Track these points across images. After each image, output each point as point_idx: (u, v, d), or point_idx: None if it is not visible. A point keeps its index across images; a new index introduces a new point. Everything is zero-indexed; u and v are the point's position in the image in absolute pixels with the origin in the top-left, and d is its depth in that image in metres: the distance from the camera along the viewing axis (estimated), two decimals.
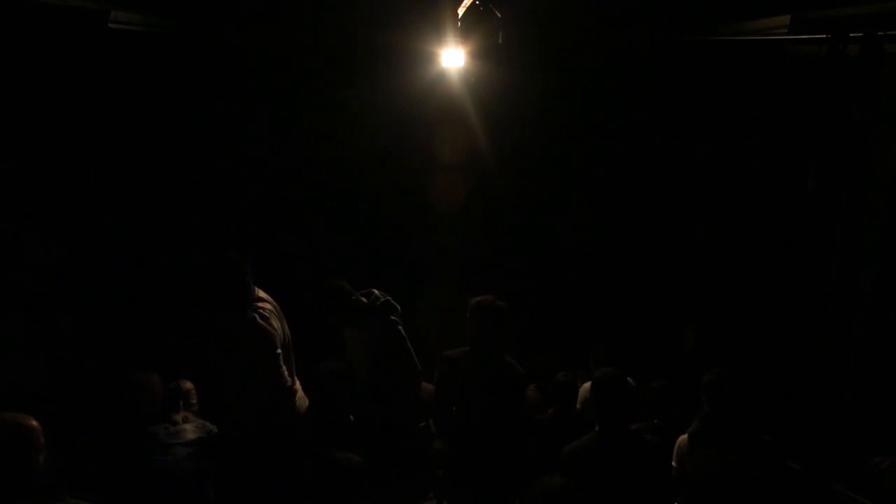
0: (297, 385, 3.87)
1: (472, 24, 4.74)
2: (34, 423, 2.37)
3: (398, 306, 4.07)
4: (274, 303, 3.74)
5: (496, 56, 5.03)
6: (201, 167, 5.28)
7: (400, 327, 3.97)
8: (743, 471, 2.72)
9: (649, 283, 5.60)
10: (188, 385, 3.62)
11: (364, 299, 3.99)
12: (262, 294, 3.71)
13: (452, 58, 4.87)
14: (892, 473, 2.54)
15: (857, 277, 3.85)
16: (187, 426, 3.46)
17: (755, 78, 4.56)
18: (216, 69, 5.22)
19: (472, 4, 4.63)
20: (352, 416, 4.01)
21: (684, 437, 3.28)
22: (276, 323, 3.63)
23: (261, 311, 3.59)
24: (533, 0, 5.13)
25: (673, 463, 3.27)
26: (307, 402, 3.86)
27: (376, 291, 4.07)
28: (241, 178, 5.48)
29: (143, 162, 4.99)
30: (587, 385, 4.09)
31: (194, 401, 3.63)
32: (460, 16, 4.71)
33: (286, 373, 3.67)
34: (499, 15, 4.70)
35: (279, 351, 3.60)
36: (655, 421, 3.79)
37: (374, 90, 5.44)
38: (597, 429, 3.15)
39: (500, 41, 4.88)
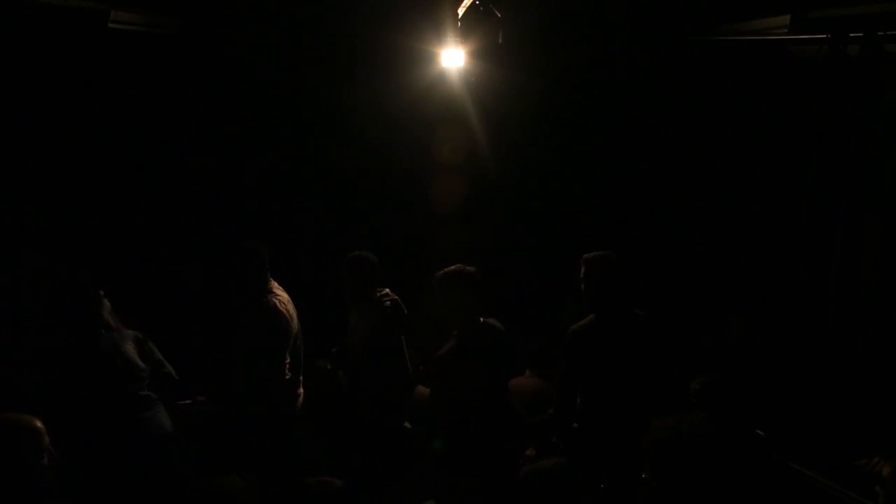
0: (300, 379, 3.92)
1: (472, 24, 4.73)
2: (38, 423, 2.37)
3: (405, 311, 4.12)
4: (287, 296, 3.84)
5: (496, 56, 5.03)
6: (201, 167, 5.28)
7: (401, 334, 4.05)
8: (701, 435, 2.73)
9: (647, 282, 5.59)
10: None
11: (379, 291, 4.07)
12: (277, 286, 3.85)
13: (452, 58, 4.86)
14: (893, 481, 2.52)
15: (859, 278, 3.85)
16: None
17: (755, 78, 4.55)
18: (216, 69, 5.23)
19: (472, 4, 4.62)
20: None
21: None
22: (292, 310, 3.77)
23: (279, 298, 3.73)
24: (533, 0, 5.13)
25: None
26: (302, 393, 3.91)
27: (389, 291, 4.12)
28: (241, 177, 5.49)
29: (144, 161, 4.99)
30: None
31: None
32: (460, 16, 4.70)
33: (288, 365, 3.71)
34: (499, 15, 4.70)
35: (290, 340, 3.68)
36: None
37: (374, 90, 5.44)
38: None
39: (500, 41, 4.88)
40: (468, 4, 4.63)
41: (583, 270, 3.53)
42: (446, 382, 3.59)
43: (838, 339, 3.90)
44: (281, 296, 3.79)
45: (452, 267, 3.57)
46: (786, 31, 3.77)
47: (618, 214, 5.76)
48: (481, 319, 3.61)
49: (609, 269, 3.46)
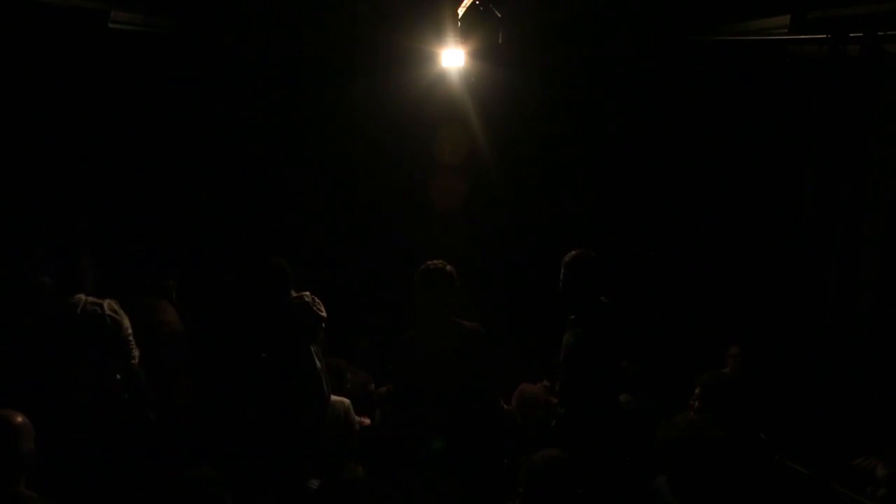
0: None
1: (472, 24, 4.74)
2: (21, 419, 2.38)
3: (320, 315, 3.86)
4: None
5: (496, 56, 5.03)
6: (200, 167, 5.29)
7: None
8: (718, 435, 2.73)
9: (649, 283, 5.60)
10: None
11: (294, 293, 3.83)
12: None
13: (452, 58, 4.87)
14: (892, 479, 2.52)
15: (858, 278, 3.85)
16: None
17: (755, 78, 4.55)
18: (216, 69, 5.23)
19: (472, 4, 4.62)
20: None
21: None
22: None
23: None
24: (533, 0, 5.13)
25: None
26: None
27: (307, 295, 3.86)
28: (240, 177, 5.49)
29: (143, 162, 5.00)
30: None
31: None
32: (460, 16, 4.70)
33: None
34: (499, 15, 4.70)
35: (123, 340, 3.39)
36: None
37: (374, 90, 5.44)
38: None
39: (500, 41, 4.88)
40: (468, 4, 4.63)
41: (561, 272, 3.71)
42: (418, 381, 3.54)
43: (837, 338, 3.90)
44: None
45: (436, 262, 3.53)
46: (786, 31, 3.78)
47: (618, 213, 5.76)
48: (450, 319, 3.50)
49: (577, 265, 3.67)
